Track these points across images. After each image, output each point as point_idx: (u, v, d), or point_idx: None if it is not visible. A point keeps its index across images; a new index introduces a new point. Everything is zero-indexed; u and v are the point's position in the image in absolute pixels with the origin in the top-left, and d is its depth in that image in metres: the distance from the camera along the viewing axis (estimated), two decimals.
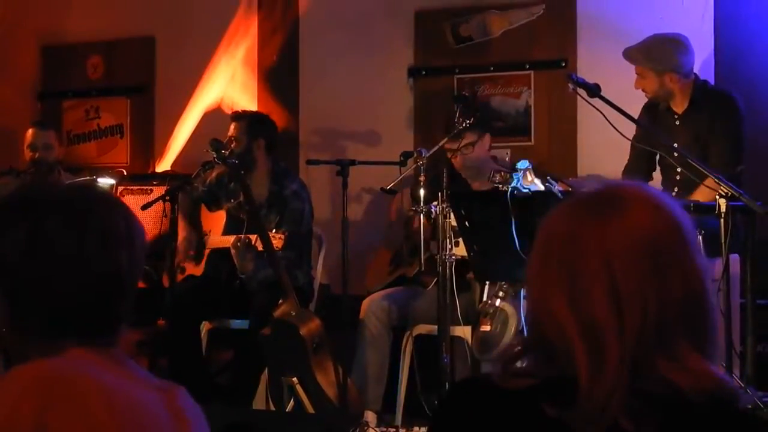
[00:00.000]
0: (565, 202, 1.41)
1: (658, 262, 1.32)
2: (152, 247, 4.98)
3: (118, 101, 6.37)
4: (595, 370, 1.29)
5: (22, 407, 1.33)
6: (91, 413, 1.35)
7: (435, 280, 4.23)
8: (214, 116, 5.86)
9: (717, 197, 3.58)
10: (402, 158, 4.53)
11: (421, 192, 4.15)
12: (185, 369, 4.55)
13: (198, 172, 4.81)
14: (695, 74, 4.37)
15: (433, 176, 4.38)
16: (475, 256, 3.92)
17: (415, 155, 4.26)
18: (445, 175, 4.12)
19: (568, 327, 1.32)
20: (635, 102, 4.40)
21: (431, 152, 4.28)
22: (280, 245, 4.39)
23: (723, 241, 3.54)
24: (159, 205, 4.71)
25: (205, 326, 4.88)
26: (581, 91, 3.89)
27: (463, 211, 3.86)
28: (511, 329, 3.79)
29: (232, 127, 4.91)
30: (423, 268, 4.30)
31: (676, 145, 4.15)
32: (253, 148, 4.88)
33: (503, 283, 3.87)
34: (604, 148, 4.85)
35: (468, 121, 4.28)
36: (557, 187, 3.64)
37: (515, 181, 3.60)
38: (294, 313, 4.29)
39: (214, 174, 4.96)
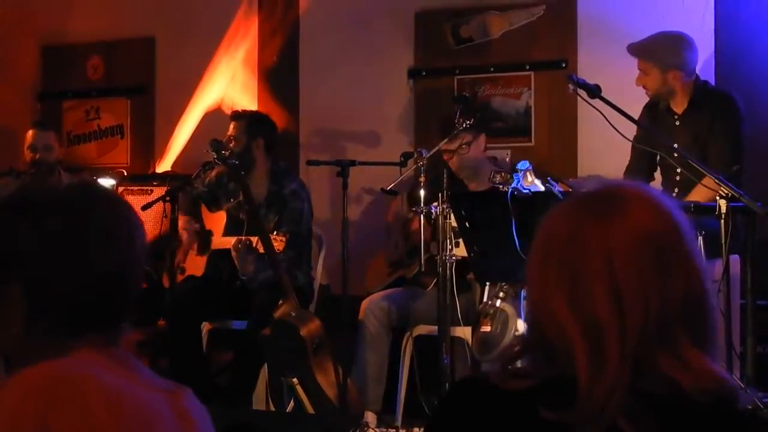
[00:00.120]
0: (564, 202, 1.41)
1: (660, 261, 1.32)
2: (152, 247, 4.98)
3: (118, 102, 6.36)
4: (595, 370, 1.29)
5: (26, 409, 1.33)
6: (91, 413, 1.35)
7: (435, 280, 4.23)
8: (214, 117, 5.85)
9: (717, 198, 3.57)
10: (402, 159, 4.53)
11: (422, 193, 4.15)
12: (185, 369, 4.54)
13: (198, 173, 4.82)
14: (697, 74, 4.37)
15: (433, 177, 4.38)
16: (475, 257, 3.92)
17: (416, 156, 4.26)
18: (445, 175, 4.12)
19: (568, 327, 1.32)
20: (635, 103, 4.40)
21: (431, 153, 4.28)
22: (281, 248, 4.39)
23: (723, 241, 3.54)
24: (159, 205, 4.71)
25: (205, 327, 4.88)
26: (581, 91, 3.89)
27: (463, 212, 3.86)
28: (512, 330, 3.79)
29: (231, 126, 4.93)
30: (423, 269, 4.31)
31: (676, 145, 4.15)
32: (252, 147, 4.88)
33: (503, 283, 3.88)
34: (604, 148, 4.84)
35: (468, 122, 4.28)
36: (557, 188, 3.63)
37: (515, 181, 3.60)
38: (294, 314, 4.29)
39: (213, 173, 4.96)
